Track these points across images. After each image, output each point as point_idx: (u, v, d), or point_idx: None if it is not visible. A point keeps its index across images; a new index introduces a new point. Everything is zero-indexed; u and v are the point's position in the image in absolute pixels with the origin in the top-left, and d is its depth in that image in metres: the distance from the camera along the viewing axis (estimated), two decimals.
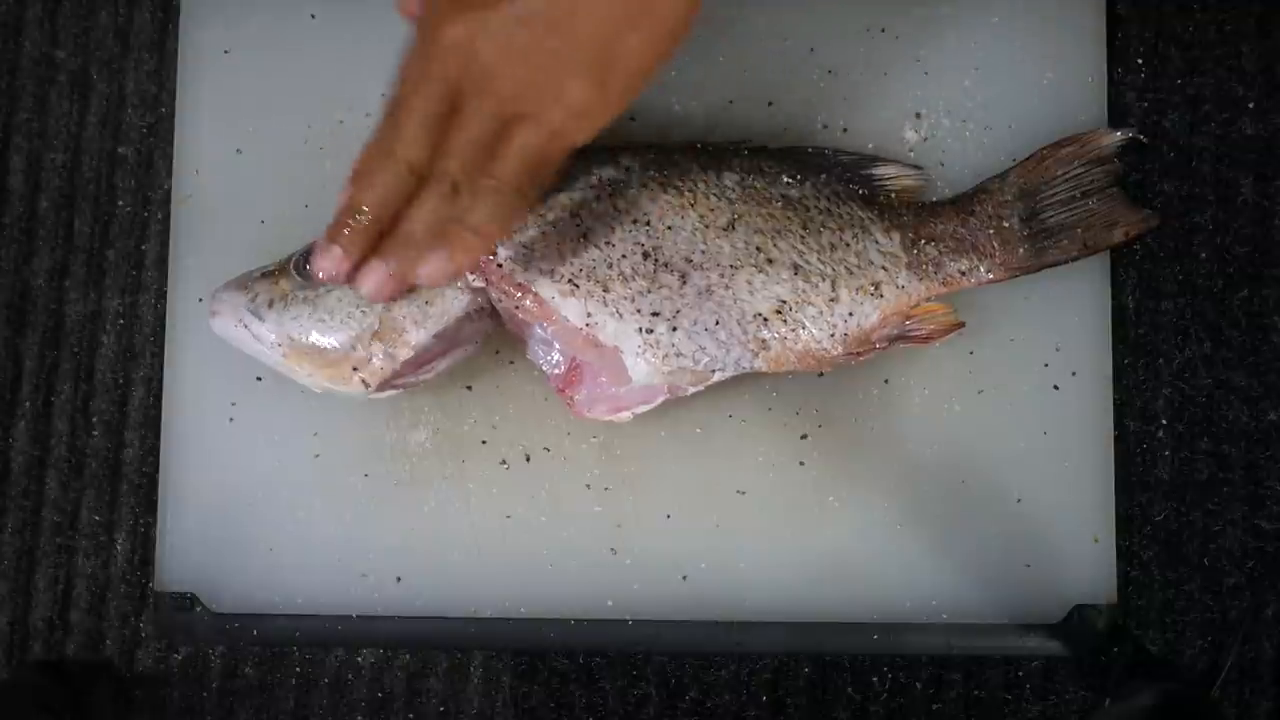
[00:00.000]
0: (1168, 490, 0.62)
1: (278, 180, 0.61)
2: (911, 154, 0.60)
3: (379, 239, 0.48)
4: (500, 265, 0.54)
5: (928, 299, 0.56)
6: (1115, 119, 0.61)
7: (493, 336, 0.58)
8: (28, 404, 0.64)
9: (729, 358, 0.55)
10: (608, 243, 0.54)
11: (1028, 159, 0.57)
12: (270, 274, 0.55)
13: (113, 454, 0.64)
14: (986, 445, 0.59)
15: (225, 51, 0.62)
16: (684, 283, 0.54)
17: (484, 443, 0.60)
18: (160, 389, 0.62)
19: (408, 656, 0.63)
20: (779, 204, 0.55)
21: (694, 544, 0.59)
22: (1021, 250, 0.56)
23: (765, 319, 0.54)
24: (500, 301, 0.55)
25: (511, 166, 0.46)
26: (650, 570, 0.59)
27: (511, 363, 0.60)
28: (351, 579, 0.59)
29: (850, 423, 0.59)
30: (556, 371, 0.55)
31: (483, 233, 0.47)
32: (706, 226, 0.55)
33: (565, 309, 0.54)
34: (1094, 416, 0.59)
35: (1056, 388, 0.59)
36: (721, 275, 0.54)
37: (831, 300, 0.55)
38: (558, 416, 0.59)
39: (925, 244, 0.56)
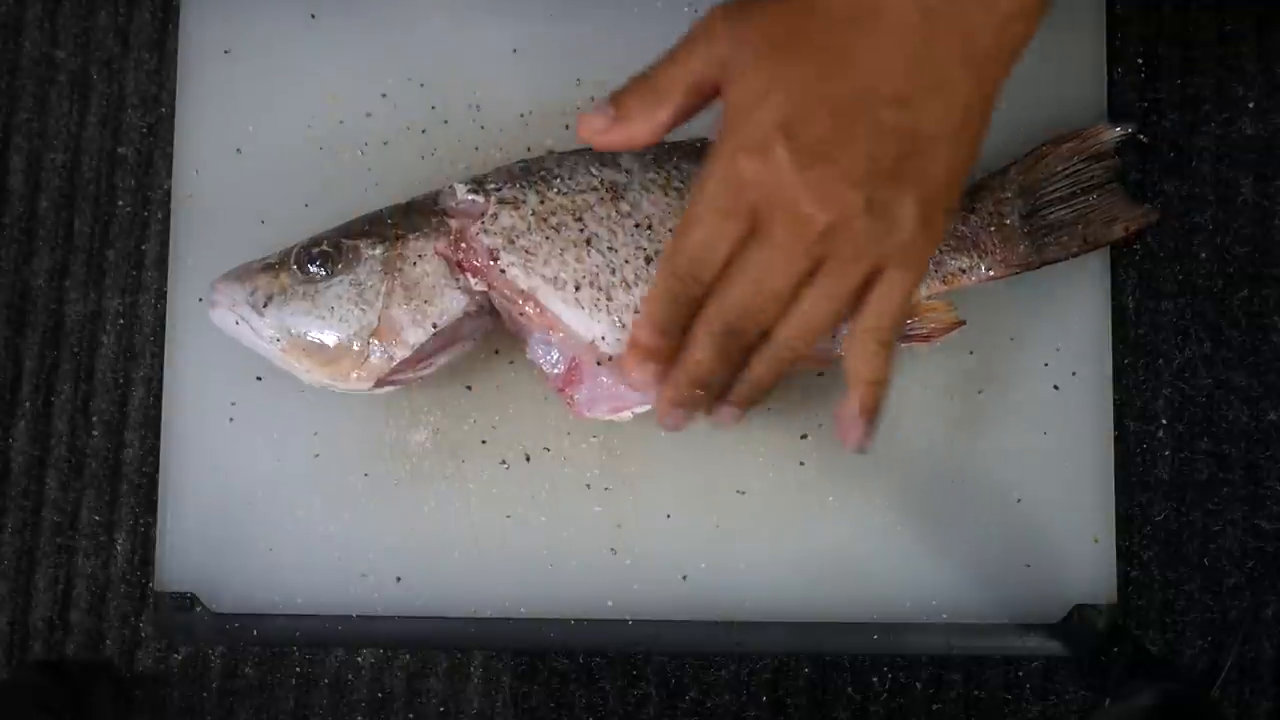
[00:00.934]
0: (1168, 490, 0.62)
1: (278, 180, 0.61)
2: None
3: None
4: (503, 271, 0.54)
5: (928, 297, 0.56)
6: (1115, 119, 0.61)
7: (492, 336, 0.58)
8: (28, 404, 0.64)
9: None
10: (610, 248, 0.54)
11: (1027, 155, 0.57)
12: (271, 267, 0.55)
13: (113, 454, 0.64)
14: (986, 445, 0.59)
15: (225, 51, 0.62)
16: None
17: (484, 443, 0.60)
18: (160, 389, 0.62)
19: (408, 656, 0.63)
20: None
21: (694, 544, 0.59)
22: (1022, 247, 0.56)
23: None
24: (501, 305, 0.55)
25: (876, 319, 0.47)
26: (650, 570, 0.59)
27: (511, 363, 0.60)
28: (351, 579, 0.59)
29: None
30: (556, 371, 0.55)
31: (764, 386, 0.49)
32: None
33: (568, 317, 0.53)
34: (1094, 416, 0.59)
35: (1056, 388, 0.59)
36: None
37: None
38: (558, 416, 0.59)
39: None
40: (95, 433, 0.64)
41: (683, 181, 0.55)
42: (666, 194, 0.55)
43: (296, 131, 0.61)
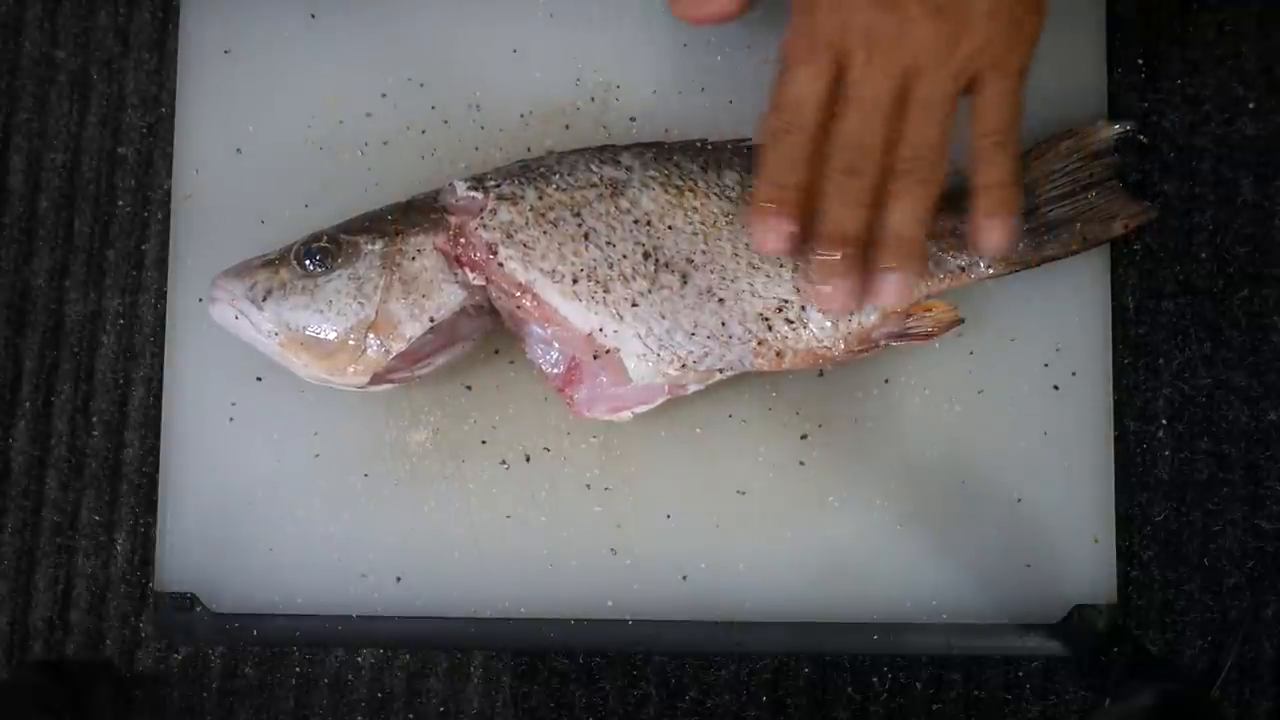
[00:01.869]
0: (1168, 490, 0.62)
1: (278, 180, 0.61)
2: None
3: (809, 207, 0.50)
4: (501, 264, 0.54)
5: (927, 296, 0.56)
6: (1115, 118, 0.61)
7: (492, 336, 0.58)
8: (28, 404, 0.64)
9: (730, 357, 0.55)
10: (609, 243, 0.54)
11: (1026, 153, 0.57)
12: (271, 263, 0.55)
13: (113, 454, 0.64)
14: (986, 445, 0.59)
15: (225, 51, 0.62)
16: (685, 283, 0.54)
17: (484, 443, 0.60)
18: (160, 389, 0.62)
19: (408, 656, 0.63)
20: None
21: (694, 544, 0.59)
22: (1021, 245, 0.56)
23: (767, 319, 0.54)
24: (499, 300, 0.55)
25: (988, 124, 0.49)
26: (650, 570, 0.59)
27: (511, 362, 0.60)
28: (351, 579, 0.59)
29: (850, 423, 0.59)
30: (556, 371, 0.55)
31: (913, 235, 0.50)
32: (707, 226, 0.55)
33: (565, 310, 0.54)
34: (1094, 416, 0.59)
35: (1056, 388, 0.59)
36: (722, 275, 0.54)
37: None
38: (558, 416, 0.59)
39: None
40: (95, 433, 0.64)
41: (682, 180, 0.55)
42: (666, 191, 0.55)
43: (296, 131, 0.61)
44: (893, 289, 0.51)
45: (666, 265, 0.54)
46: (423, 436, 0.60)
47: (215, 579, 0.60)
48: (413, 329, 0.54)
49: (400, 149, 0.61)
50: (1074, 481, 0.59)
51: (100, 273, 0.65)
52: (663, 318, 0.54)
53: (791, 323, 0.54)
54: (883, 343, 0.55)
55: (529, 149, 0.60)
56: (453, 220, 0.55)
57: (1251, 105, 0.63)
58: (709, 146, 0.57)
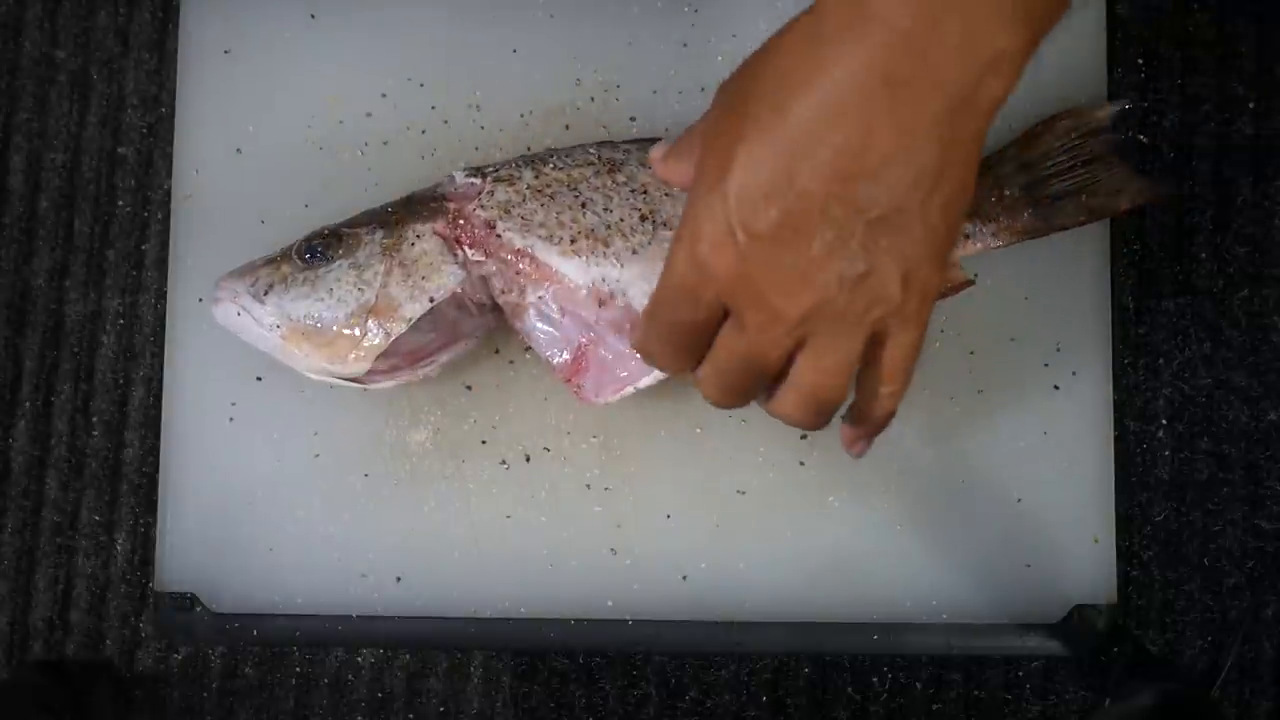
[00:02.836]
0: (1168, 490, 0.62)
1: (278, 180, 0.61)
2: None
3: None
4: (499, 236, 0.54)
5: None
6: (1113, 98, 0.61)
7: (493, 336, 0.58)
8: (28, 404, 0.64)
9: None
10: (605, 209, 0.54)
11: (1024, 133, 0.57)
12: (273, 260, 0.56)
13: (113, 454, 0.64)
14: (986, 445, 0.59)
15: (225, 51, 0.62)
16: None
17: (484, 443, 0.60)
18: (160, 389, 0.62)
19: (408, 656, 0.63)
20: None
21: (694, 544, 0.59)
22: (1026, 214, 0.55)
23: None
24: (500, 289, 0.55)
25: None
26: (650, 570, 0.59)
27: (511, 362, 0.60)
28: (351, 579, 0.59)
29: None
30: (563, 359, 0.55)
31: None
32: None
33: (565, 267, 0.54)
34: (1094, 416, 0.59)
35: (1056, 388, 0.59)
36: None
37: None
38: (558, 416, 0.59)
39: None
40: (95, 433, 0.64)
41: None
42: None
43: (296, 131, 0.61)
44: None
45: (665, 224, 0.54)
46: (423, 436, 0.60)
47: (215, 579, 0.60)
48: (413, 309, 0.54)
49: (400, 149, 0.61)
50: (1074, 481, 0.59)
51: (100, 273, 0.65)
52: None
53: None
54: None
55: (529, 149, 0.60)
56: (451, 206, 0.55)
57: (1251, 105, 0.63)
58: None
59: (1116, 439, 0.60)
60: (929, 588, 0.58)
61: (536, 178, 0.55)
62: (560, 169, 0.55)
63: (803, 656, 0.62)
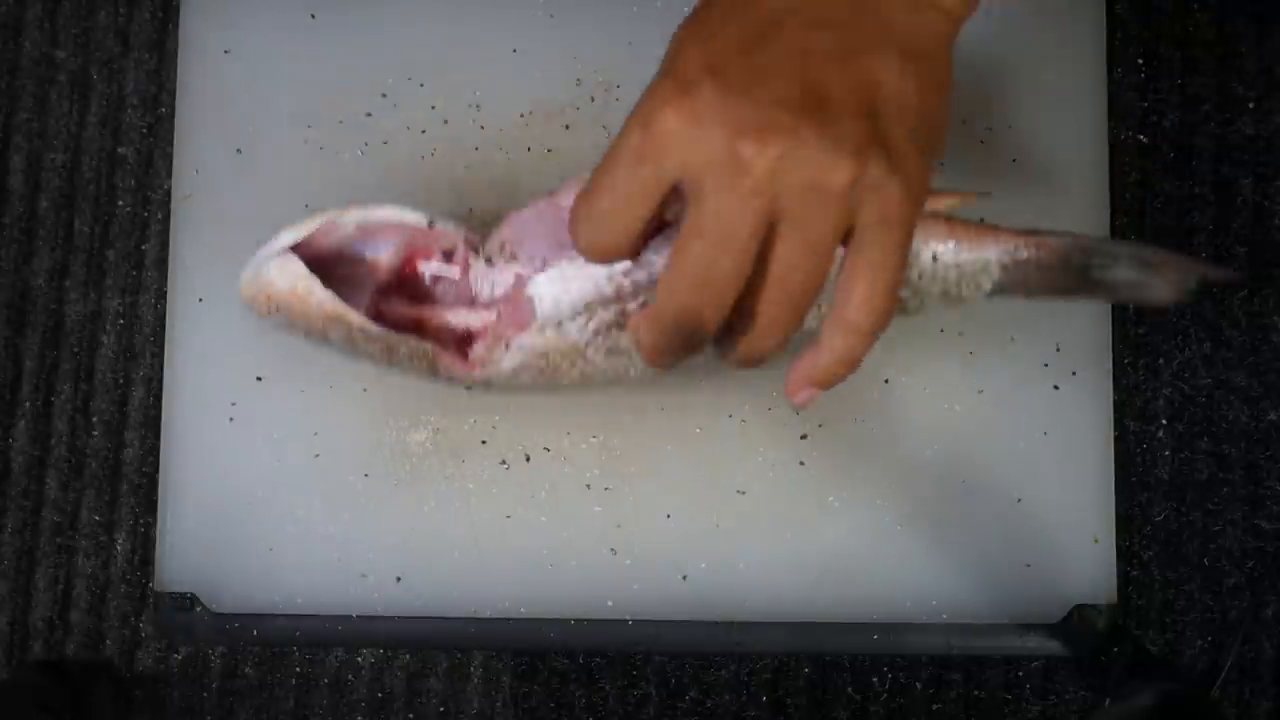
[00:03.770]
0: (1168, 490, 0.62)
1: (278, 180, 0.61)
2: None
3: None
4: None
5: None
6: (1115, 119, 0.61)
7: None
8: (28, 404, 0.64)
9: None
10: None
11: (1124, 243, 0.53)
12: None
13: (113, 454, 0.64)
14: (986, 445, 0.59)
15: (225, 51, 0.62)
16: None
17: (484, 443, 0.60)
18: (160, 389, 0.62)
19: (408, 656, 0.63)
20: None
21: (694, 544, 0.59)
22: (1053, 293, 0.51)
23: None
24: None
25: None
26: (650, 570, 0.59)
27: None
28: (351, 579, 0.59)
29: (850, 423, 0.59)
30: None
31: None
32: None
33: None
34: (1094, 416, 0.59)
35: (1056, 388, 0.59)
36: None
37: None
38: (558, 416, 0.59)
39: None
40: (95, 433, 0.64)
41: None
42: None
43: (296, 131, 0.61)
44: (734, 368, 0.45)
45: None
46: (423, 436, 0.60)
47: (215, 579, 0.60)
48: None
49: (400, 149, 0.61)
50: (1074, 481, 0.59)
51: (100, 273, 0.65)
52: None
53: None
54: None
55: (529, 149, 0.60)
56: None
57: (1251, 105, 0.63)
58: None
59: (1116, 439, 0.60)
60: (929, 588, 0.58)
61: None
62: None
63: (803, 656, 0.62)
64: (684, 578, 0.59)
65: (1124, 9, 0.63)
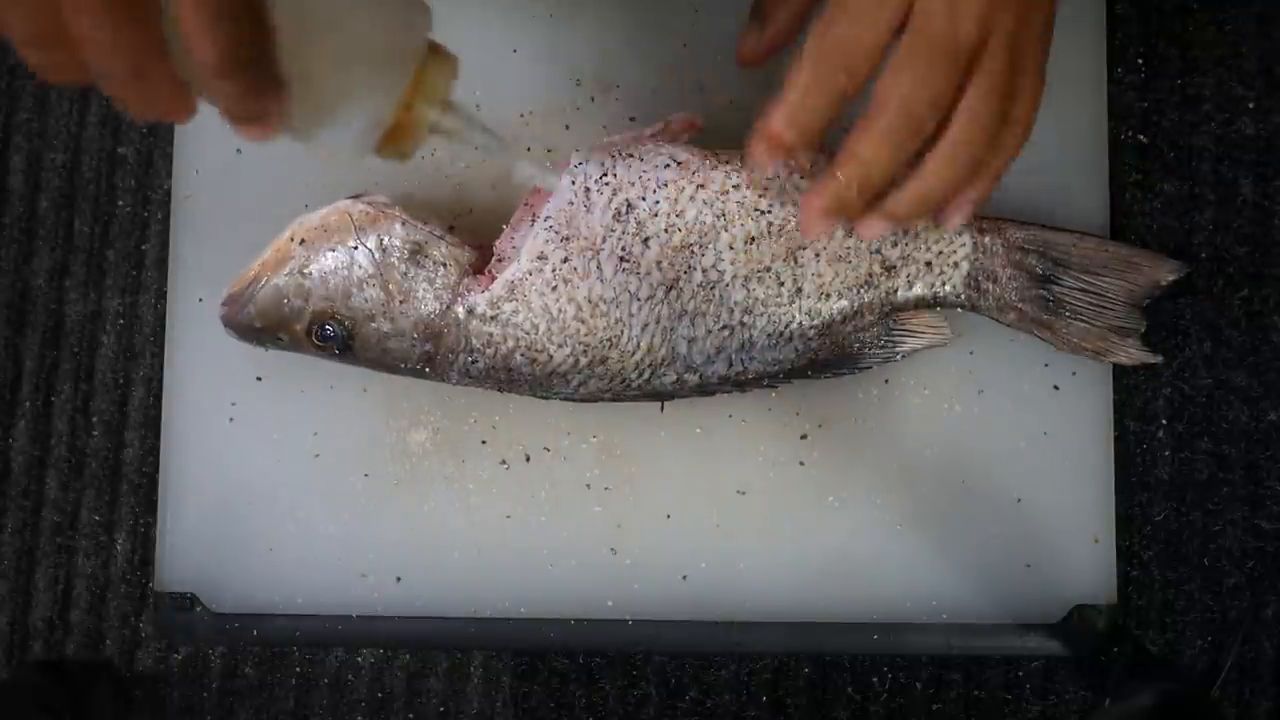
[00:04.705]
0: (1168, 490, 0.62)
1: (278, 180, 0.61)
2: None
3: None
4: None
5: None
6: (1115, 119, 0.61)
7: None
8: (28, 404, 0.64)
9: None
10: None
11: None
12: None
13: (113, 454, 0.64)
14: (986, 445, 0.59)
15: None
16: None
17: (484, 443, 0.60)
18: (160, 389, 0.62)
19: (408, 656, 0.63)
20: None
21: (694, 544, 0.59)
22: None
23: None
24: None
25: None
26: (650, 570, 0.59)
27: None
28: (351, 579, 0.59)
29: (850, 423, 0.59)
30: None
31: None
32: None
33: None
34: (1094, 416, 0.59)
35: (1056, 388, 0.59)
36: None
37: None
38: (558, 416, 0.59)
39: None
40: (95, 433, 0.64)
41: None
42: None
43: None
44: (877, 232, 0.48)
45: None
46: (423, 436, 0.60)
47: (215, 579, 0.60)
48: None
49: None
50: (1074, 481, 0.59)
51: (100, 273, 0.65)
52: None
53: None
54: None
55: (529, 149, 0.60)
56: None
57: (1251, 105, 0.63)
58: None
59: (1116, 439, 0.60)
60: (929, 588, 0.58)
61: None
62: None
63: (803, 656, 0.62)
64: (684, 578, 0.59)
65: (1124, 9, 0.63)
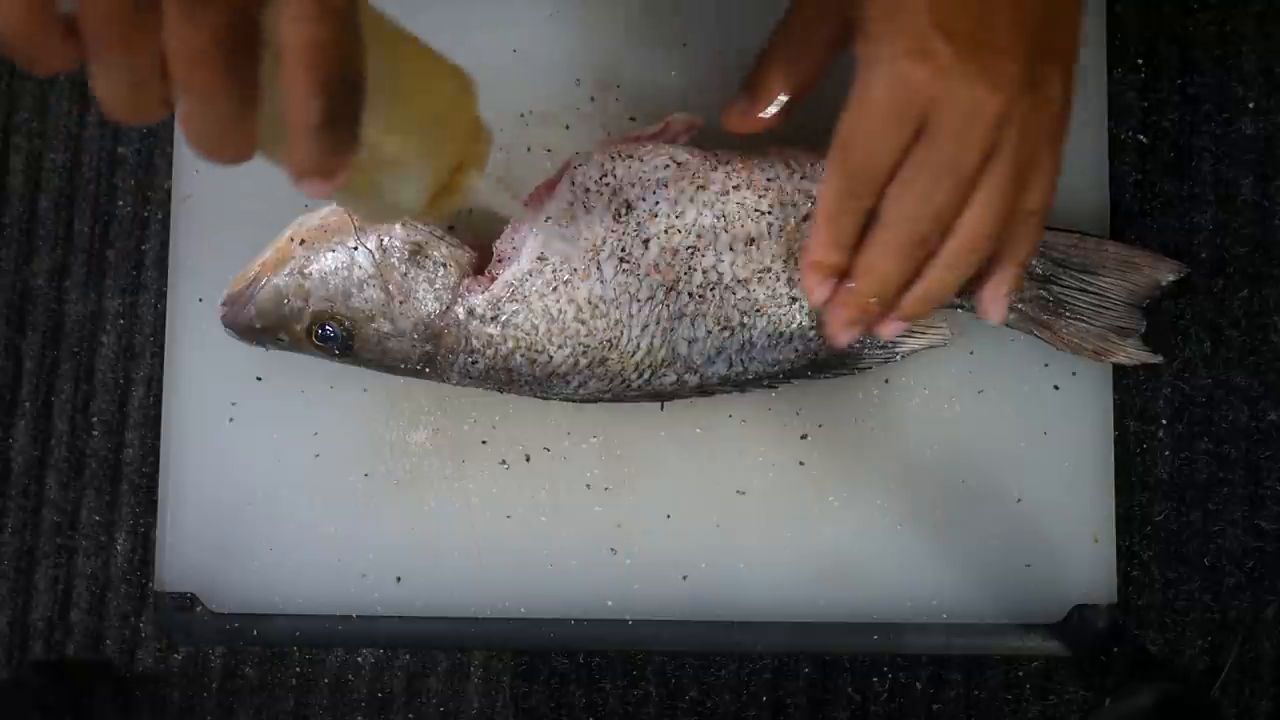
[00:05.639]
0: (1168, 490, 0.62)
1: (278, 180, 0.61)
2: None
3: None
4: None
5: None
6: (1115, 119, 0.61)
7: None
8: (28, 404, 0.64)
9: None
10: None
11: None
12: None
13: (113, 454, 0.64)
14: (986, 445, 0.59)
15: None
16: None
17: (484, 443, 0.60)
18: (160, 389, 0.62)
19: (408, 656, 0.63)
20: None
21: (694, 544, 0.59)
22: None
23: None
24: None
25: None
26: (650, 570, 0.59)
27: None
28: (351, 579, 0.59)
29: (850, 423, 0.59)
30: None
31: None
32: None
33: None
34: (1094, 416, 0.59)
35: (1056, 388, 0.59)
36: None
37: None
38: (558, 416, 0.59)
39: None
40: (95, 433, 0.64)
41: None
42: None
43: None
44: (892, 334, 0.51)
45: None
46: (423, 436, 0.60)
47: (215, 579, 0.60)
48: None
49: None
50: (1074, 481, 0.59)
51: (100, 273, 0.65)
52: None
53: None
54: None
55: (529, 149, 0.60)
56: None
57: (1251, 105, 0.63)
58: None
59: (1116, 439, 0.60)
60: (929, 588, 0.58)
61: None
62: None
63: (803, 656, 0.62)
64: (684, 578, 0.59)
65: (1124, 9, 0.63)
